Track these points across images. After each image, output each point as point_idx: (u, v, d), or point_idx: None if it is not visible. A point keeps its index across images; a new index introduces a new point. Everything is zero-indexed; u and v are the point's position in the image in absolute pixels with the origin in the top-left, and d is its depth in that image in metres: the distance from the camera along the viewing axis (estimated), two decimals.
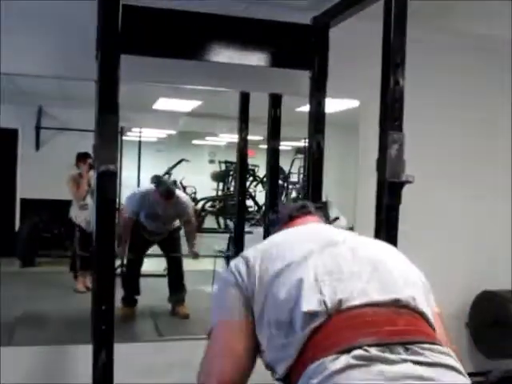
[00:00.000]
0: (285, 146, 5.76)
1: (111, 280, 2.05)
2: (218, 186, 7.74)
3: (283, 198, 6.86)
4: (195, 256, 4.78)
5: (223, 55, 2.96)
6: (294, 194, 7.01)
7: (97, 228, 2.06)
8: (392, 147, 2.09)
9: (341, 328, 1.13)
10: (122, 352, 2.37)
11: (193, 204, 4.91)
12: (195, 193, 7.57)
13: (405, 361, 1.05)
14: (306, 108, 3.07)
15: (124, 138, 6.05)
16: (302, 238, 1.42)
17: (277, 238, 1.45)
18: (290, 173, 6.85)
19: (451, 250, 3.80)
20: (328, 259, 1.27)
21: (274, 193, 3.66)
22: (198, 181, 7.53)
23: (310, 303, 1.17)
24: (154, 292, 4.99)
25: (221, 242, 5.95)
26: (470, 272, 3.81)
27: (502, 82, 3.87)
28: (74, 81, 3.60)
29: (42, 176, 5.68)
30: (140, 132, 6.39)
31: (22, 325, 3.99)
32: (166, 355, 3.38)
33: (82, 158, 5.19)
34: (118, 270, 5.36)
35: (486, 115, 3.89)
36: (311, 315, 1.16)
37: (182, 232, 4.98)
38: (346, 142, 4.38)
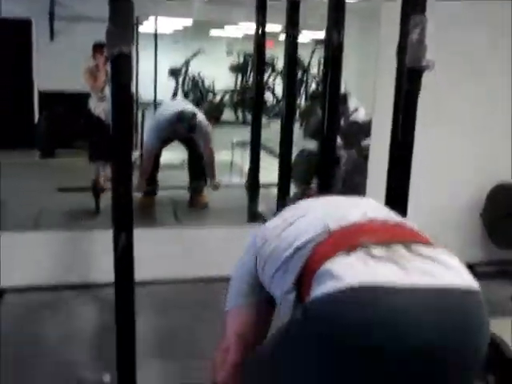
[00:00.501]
0: (305, 38, 5.59)
1: (129, 164, 2.07)
2: (236, 78, 7.63)
3: (302, 90, 6.76)
4: (215, 188, 4.83)
5: None
6: (313, 87, 6.89)
7: (113, 113, 2.06)
8: (414, 31, 2.01)
9: (342, 237, 1.16)
10: (142, 237, 2.44)
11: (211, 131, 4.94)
12: (213, 85, 7.49)
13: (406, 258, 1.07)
14: None
15: (140, 30, 5.93)
16: (316, 202, 1.44)
17: (296, 205, 1.48)
18: (309, 65, 6.70)
19: (467, 142, 3.76)
20: (336, 205, 1.35)
21: (291, 85, 3.58)
22: (216, 73, 7.42)
23: (314, 231, 1.21)
24: (173, 183, 5.07)
25: (238, 134, 5.97)
26: (486, 164, 3.80)
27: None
28: None
29: (58, 67, 5.62)
30: (156, 22, 6.22)
31: (43, 213, 4.09)
32: (184, 241, 3.50)
33: (98, 48, 5.09)
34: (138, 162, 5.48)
35: None
36: (314, 236, 1.20)
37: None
38: (366, 30, 4.24)
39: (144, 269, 2.36)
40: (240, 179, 4.80)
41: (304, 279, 1.16)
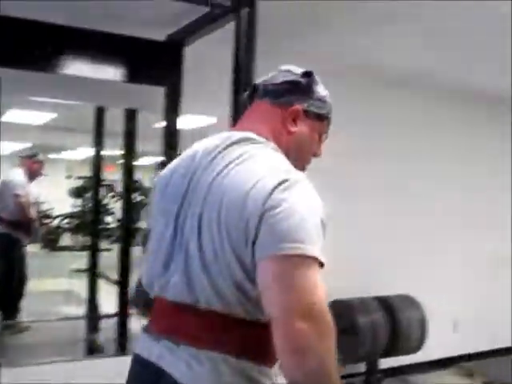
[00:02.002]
0: (148, 161, 5.70)
1: None
2: (76, 202, 7.45)
3: (142, 213, 6.76)
4: None
5: (76, 68, 2.89)
6: None
7: None
8: None
9: (154, 309, 1.38)
10: None
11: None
12: (52, 209, 7.24)
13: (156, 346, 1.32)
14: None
15: None
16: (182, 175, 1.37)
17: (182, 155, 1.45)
18: (150, 188, 6.76)
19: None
20: (165, 232, 1.33)
21: (129, 208, 3.60)
22: (54, 197, 7.21)
23: (143, 277, 1.41)
24: None
25: (78, 260, 5.74)
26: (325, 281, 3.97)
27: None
28: None
29: None
30: None
31: None
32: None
33: None
34: None
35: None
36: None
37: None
38: None
39: None
40: (79, 310, 4.53)
41: None
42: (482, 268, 5.27)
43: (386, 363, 4.18)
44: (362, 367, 4.09)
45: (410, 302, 4.27)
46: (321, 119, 1.45)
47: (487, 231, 5.28)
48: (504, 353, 5.47)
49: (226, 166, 1.26)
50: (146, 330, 1.39)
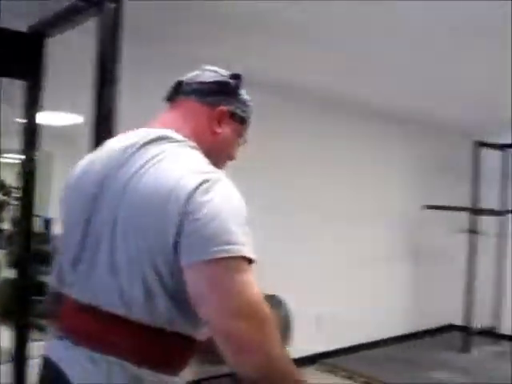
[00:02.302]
0: (10, 158, 5.40)
1: None
2: None
3: (5, 213, 6.40)
4: None
5: None
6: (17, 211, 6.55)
7: None
8: None
9: (62, 308, 1.32)
10: None
11: None
12: None
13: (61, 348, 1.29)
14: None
15: None
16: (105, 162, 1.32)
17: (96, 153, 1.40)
18: (12, 187, 6.41)
19: None
20: (77, 229, 1.28)
21: None
22: None
23: (53, 275, 1.36)
24: None
25: None
26: None
27: None
28: None
29: None
30: None
31: None
32: None
33: None
34: None
35: None
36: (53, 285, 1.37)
37: None
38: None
39: None
40: None
41: None
42: (345, 266, 5.56)
43: None
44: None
45: (275, 301, 4.38)
46: (243, 122, 1.46)
47: (351, 231, 5.58)
48: (362, 348, 5.81)
49: (144, 164, 1.22)
50: (54, 329, 1.35)
